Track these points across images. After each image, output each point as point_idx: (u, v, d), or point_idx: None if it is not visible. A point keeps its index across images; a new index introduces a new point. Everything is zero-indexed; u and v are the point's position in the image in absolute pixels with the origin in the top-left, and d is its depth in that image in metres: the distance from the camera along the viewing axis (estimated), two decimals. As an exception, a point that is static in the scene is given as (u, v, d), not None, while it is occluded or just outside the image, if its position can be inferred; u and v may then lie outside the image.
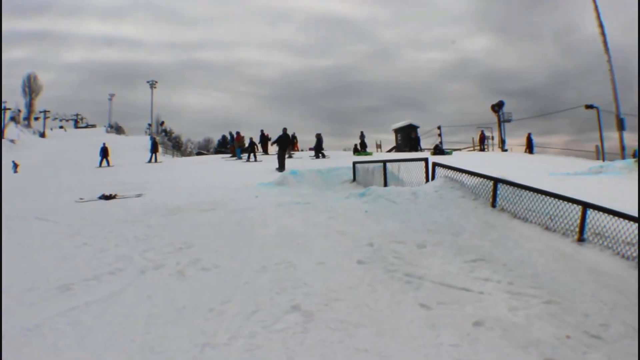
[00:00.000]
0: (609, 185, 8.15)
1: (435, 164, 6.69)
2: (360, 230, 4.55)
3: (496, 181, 5.44)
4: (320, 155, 15.88)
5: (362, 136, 18.56)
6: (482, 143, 19.83)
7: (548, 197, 4.86)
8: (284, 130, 12.88)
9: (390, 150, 22.21)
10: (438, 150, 17.75)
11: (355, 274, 3.53)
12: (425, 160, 7.02)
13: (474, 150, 20.09)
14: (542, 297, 3.24)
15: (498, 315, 2.99)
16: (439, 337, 2.68)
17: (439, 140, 21.45)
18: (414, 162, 7.20)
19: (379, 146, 22.86)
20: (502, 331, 2.77)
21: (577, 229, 4.44)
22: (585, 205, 4.51)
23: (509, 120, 23.90)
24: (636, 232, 3.81)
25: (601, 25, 17.66)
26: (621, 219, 4.00)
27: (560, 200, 4.70)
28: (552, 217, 4.78)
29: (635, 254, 3.71)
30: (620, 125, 16.99)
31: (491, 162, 13.96)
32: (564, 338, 2.71)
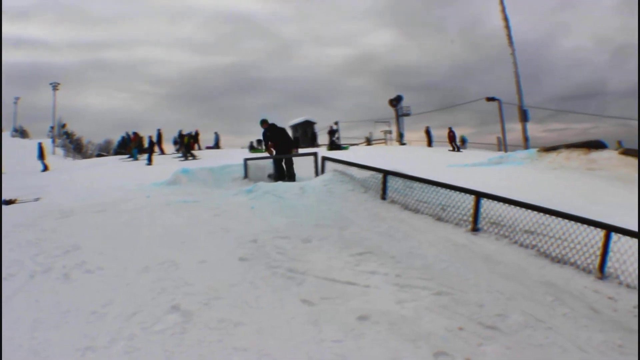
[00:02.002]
0: (508, 175, 14.84)
1: (324, 158, 13.64)
2: (245, 227, 8.81)
3: (386, 173, 11.21)
4: (189, 155, 33.71)
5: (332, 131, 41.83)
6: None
7: (440, 187, 10.29)
8: (271, 125, 16.76)
9: None
10: (334, 145, 37.12)
11: (237, 271, 6.92)
12: (315, 154, 14.23)
13: (368, 145, 41.25)
14: (433, 288, 6.56)
15: (385, 308, 5.93)
16: (321, 333, 5.32)
17: (336, 135, 42.96)
18: (304, 157, 14.89)
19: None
20: (389, 325, 5.55)
21: (470, 219, 9.41)
22: (479, 195, 9.56)
23: (407, 114, 51.03)
24: (534, 219, 8.83)
25: (506, 19, 38.71)
26: (518, 208, 9.02)
27: (453, 191, 10.03)
28: (444, 208, 9.99)
29: (535, 241, 8.62)
30: (523, 117, 37.68)
31: (389, 156, 28.32)
32: (456, 330, 5.58)
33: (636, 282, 7.34)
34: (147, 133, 35.27)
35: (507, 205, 9.21)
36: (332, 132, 43.22)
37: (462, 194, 9.87)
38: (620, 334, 6.07)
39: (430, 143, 44.23)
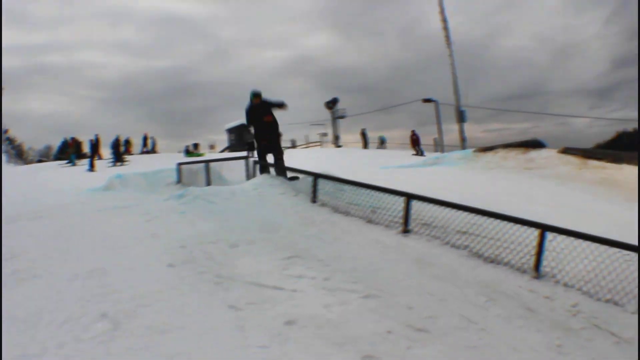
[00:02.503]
0: (444, 175, 15.00)
1: (256, 162, 14.62)
2: (175, 233, 9.08)
3: (316, 176, 11.87)
4: (121, 161, 34.44)
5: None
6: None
7: (370, 190, 10.86)
8: (263, 103, 14.61)
9: (223, 150, 48.61)
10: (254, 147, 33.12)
11: (165, 277, 7.08)
12: (246, 158, 15.67)
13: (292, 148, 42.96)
14: (361, 291, 6.82)
15: (312, 313, 6.12)
16: (247, 338, 5.46)
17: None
18: (236, 160, 16.38)
19: (213, 147, 51.46)
20: (316, 329, 5.74)
21: (401, 221, 9.85)
22: (409, 196, 9.81)
23: (343, 117, 54.19)
24: (467, 219, 9.33)
25: (445, 20, 40.39)
26: (450, 208, 9.50)
27: (383, 193, 10.56)
28: (375, 210, 10.52)
29: (467, 242, 9.06)
30: (460, 117, 39.39)
31: (324, 158, 29.64)
32: (385, 333, 5.76)
33: (573, 280, 7.69)
34: (86, 138, 36.35)
35: (438, 206, 9.64)
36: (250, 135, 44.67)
37: (393, 195, 10.28)
38: (558, 333, 6.31)
39: (366, 145, 46.79)
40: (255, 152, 14.10)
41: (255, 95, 13.62)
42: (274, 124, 13.83)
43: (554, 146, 21.14)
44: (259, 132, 13.76)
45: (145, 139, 45.87)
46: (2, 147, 51.47)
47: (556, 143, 22.87)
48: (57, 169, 33.39)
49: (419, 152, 39.05)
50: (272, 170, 13.89)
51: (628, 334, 6.51)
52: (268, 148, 13.71)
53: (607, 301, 7.35)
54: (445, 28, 40.29)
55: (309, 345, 5.40)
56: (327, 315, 6.07)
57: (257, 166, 14.14)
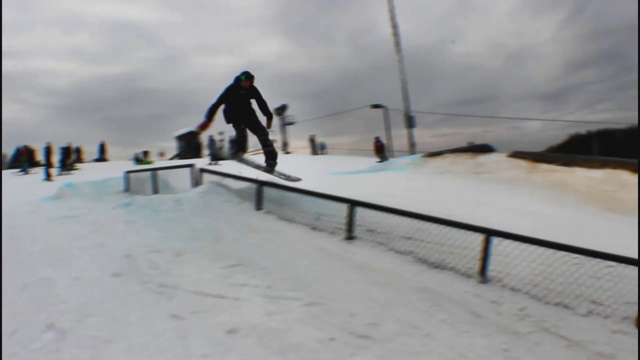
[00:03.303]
0: (391, 181, 15.10)
1: (202, 170, 14.96)
2: (120, 242, 9.33)
3: (261, 184, 12.35)
4: (67, 169, 34.14)
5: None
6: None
7: (313, 197, 11.24)
8: (250, 79, 13.64)
9: (173, 158, 49.45)
10: (217, 156, 37.68)
11: (110, 287, 7.24)
12: (191, 166, 15.52)
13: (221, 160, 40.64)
14: (303, 299, 7.02)
15: (254, 321, 6.27)
16: (190, 348, 5.61)
17: (221, 145, 47.56)
18: (181, 168, 16.08)
19: (162, 154, 52.31)
20: (258, 338, 5.89)
21: (345, 227, 10.17)
22: (353, 203, 10.03)
23: (291, 123, 54.66)
24: (412, 225, 9.64)
25: (395, 26, 41.02)
26: (394, 215, 9.82)
27: (327, 200, 10.94)
28: (319, 217, 10.90)
29: (412, 248, 9.38)
30: (409, 123, 40.06)
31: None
32: (327, 340, 5.91)
33: (521, 284, 7.90)
34: (40, 146, 35.90)
35: (382, 212, 9.91)
36: (212, 143, 44.61)
37: (336, 202, 10.60)
38: (505, 337, 6.43)
39: (315, 151, 48.42)
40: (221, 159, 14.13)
41: (249, 77, 12.59)
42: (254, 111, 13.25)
43: (506, 150, 21.56)
44: (236, 114, 12.77)
45: (102, 146, 46.54)
46: (2, 147, 51.45)
47: (508, 147, 23.39)
48: (10, 177, 32.37)
49: (384, 159, 38.42)
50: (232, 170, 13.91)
51: (579, 337, 6.68)
52: (252, 126, 12.93)
53: (557, 304, 7.53)
54: (395, 34, 40.63)
55: (251, 354, 5.51)
56: (269, 323, 6.18)
57: (203, 174, 14.45)
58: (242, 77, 12.54)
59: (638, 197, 14.85)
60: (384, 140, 41.73)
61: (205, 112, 12.51)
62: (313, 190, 11.15)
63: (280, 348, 5.63)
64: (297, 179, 12.83)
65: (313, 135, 49.40)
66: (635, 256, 7.67)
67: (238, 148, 13.43)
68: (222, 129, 49.19)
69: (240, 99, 12.64)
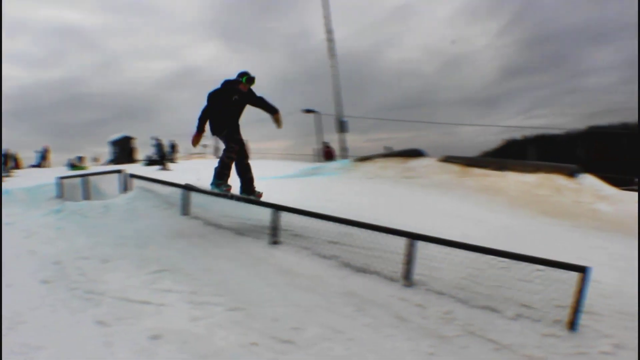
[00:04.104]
0: (321, 185, 15.05)
1: (131, 175, 14.93)
2: (50, 249, 9.73)
3: (188, 189, 12.32)
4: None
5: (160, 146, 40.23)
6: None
7: (239, 202, 11.27)
8: (251, 82, 11.81)
9: (108, 163, 47.97)
10: (152, 161, 39.46)
11: (39, 294, 7.61)
12: (120, 171, 15.54)
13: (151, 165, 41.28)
14: (227, 304, 7.27)
15: (178, 327, 6.56)
16: (114, 354, 5.89)
17: (154, 150, 43.15)
18: (111, 174, 16.04)
19: (97, 160, 51.42)
20: (181, 343, 6.15)
21: (271, 232, 10.28)
22: (278, 208, 10.25)
23: None
24: (337, 230, 9.78)
25: (329, 31, 41.92)
26: (320, 220, 9.94)
27: (252, 205, 10.79)
28: (245, 222, 11.17)
29: (337, 252, 9.49)
30: (341, 128, 40.82)
31: (203, 170, 24.27)
32: (249, 345, 6.13)
33: (447, 288, 8.06)
34: None
35: (307, 217, 10.11)
36: (160, 148, 44.56)
37: (262, 207, 10.79)
38: (430, 341, 6.60)
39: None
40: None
41: (250, 80, 11.04)
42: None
43: (441, 155, 21.87)
44: (227, 124, 11.12)
45: (45, 151, 46.84)
46: (2, 147, 50.69)
47: (443, 152, 23.67)
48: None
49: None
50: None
51: (508, 340, 6.80)
52: (241, 147, 11.41)
53: (484, 308, 7.66)
54: (329, 39, 41.35)
55: (174, 359, 5.82)
56: (193, 329, 6.46)
57: (132, 179, 14.60)
58: (243, 80, 10.96)
59: (638, 213, 15.30)
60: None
61: (196, 124, 11.04)
62: (239, 195, 11.10)
63: (203, 353, 5.89)
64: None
65: (245, 140, 48.57)
66: (571, 259, 7.75)
67: (223, 175, 11.18)
68: (158, 134, 50.78)
69: (231, 105, 11.10)
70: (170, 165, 36.44)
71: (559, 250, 9.92)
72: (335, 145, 42.65)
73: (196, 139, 11.16)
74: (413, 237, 8.47)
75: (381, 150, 29.47)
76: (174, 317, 6.73)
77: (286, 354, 6.01)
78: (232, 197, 11.26)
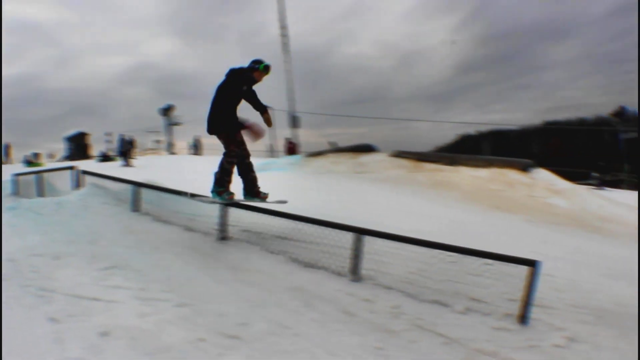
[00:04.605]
0: (272, 181, 15.69)
1: (83, 172, 15.30)
2: (5, 246, 9.50)
3: (138, 185, 12.75)
4: None
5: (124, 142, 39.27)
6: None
7: (188, 197, 11.54)
8: (268, 71, 11.00)
9: (64, 159, 51.24)
10: (106, 157, 43.93)
11: None
12: (72, 168, 15.90)
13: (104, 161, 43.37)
14: (175, 300, 7.35)
15: (127, 323, 6.57)
16: (65, 351, 5.88)
17: (118, 146, 42.92)
18: (65, 170, 16.26)
19: (53, 156, 55.31)
20: (130, 340, 6.15)
21: (220, 228, 10.54)
22: (226, 204, 10.44)
23: (178, 124, 58.14)
24: (286, 225, 10.11)
25: (283, 27, 44.76)
26: (268, 215, 10.23)
27: (201, 201, 10.82)
28: (194, 218, 11.41)
29: (286, 247, 9.79)
30: (294, 123, 43.99)
31: (158, 166, 31.32)
32: (196, 341, 6.20)
33: (395, 282, 8.23)
34: None
35: (256, 212, 10.32)
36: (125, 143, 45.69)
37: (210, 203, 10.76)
38: (378, 335, 6.70)
39: (199, 152, 51.09)
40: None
41: (267, 68, 10.32)
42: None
43: (393, 150, 22.17)
44: (229, 119, 10.18)
45: (7, 148, 48.78)
46: (2, 145, 50.12)
47: (398, 147, 24.09)
48: None
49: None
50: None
51: (457, 334, 6.92)
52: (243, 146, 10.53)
53: (434, 302, 7.80)
54: (282, 35, 43.16)
55: (123, 356, 5.81)
56: (141, 325, 6.49)
57: (85, 176, 14.89)
58: (260, 67, 10.18)
59: (638, 216, 15.58)
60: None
61: (237, 120, 9.98)
62: (187, 191, 11.30)
63: (151, 350, 5.92)
64: (283, 202, 10.84)
65: (198, 136, 51.59)
66: (525, 253, 7.87)
67: (224, 182, 10.38)
68: (112, 130, 51.40)
69: (239, 98, 10.30)
70: (133, 161, 36.27)
71: (512, 245, 10.20)
72: (283, 142, 43.31)
73: (258, 132, 10.01)
74: (360, 232, 8.62)
75: (335, 146, 30.16)
76: (123, 314, 6.77)
77: (232, 349, 6.08)
78: (237, 205, 10.53)
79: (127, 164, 34.64)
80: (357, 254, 8.50)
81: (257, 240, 10.03)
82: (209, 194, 10.44)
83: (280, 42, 43.81)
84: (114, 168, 26.67)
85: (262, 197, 10.59)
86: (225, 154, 10.24)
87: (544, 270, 7.66)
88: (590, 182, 47.79)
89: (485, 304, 7.78)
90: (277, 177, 19.37)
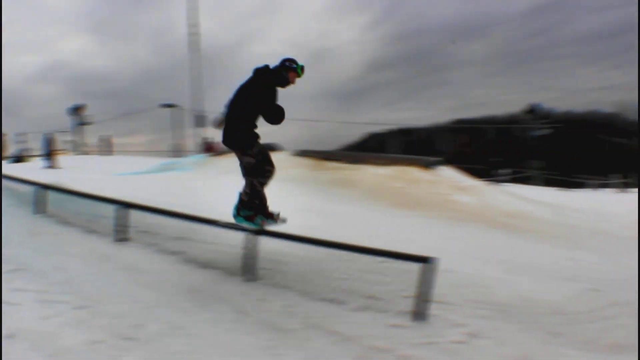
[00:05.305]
0: (174, 181, 15.40)
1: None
2: None
3: (40, 186, 12.74)
4: None
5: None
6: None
7: (90, 199, 11.85)
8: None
9: None
10: (19, 158, 39.82)
11: None
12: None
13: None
14: (74, 302, 7.41)
15: (29, 326, 6.61)
16: None
17: (20, 147, 44.94)
18: None
19: None
20: (31, 343, 6.21)
21: (119, 229, 10.32)
22: (125, 205, 10.66)
23: (88, 123, 57.29)
24: (183, 225, 10.48)
25: (192, 25, 46.01)
26: (165, 216, 10.62)
27: (102, 202, 11.17)
28: (94, 219, 11.56)
29: (183, 248, 10.07)
30: (199, 122, 45.99)
31: (66, 166, 30.66)
32: (94, 343, 6.31)
33: (290, 282, 8.53)
34: None
35: (151, 213, 10.67)
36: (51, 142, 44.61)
37: (111, 204, 10.91)
38: (271, 334, 6.91)
39: (108, 152, 51.43)
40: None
41: (303, 70, 9.13)
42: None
43: (298, 149, 22.65)
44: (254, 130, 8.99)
45: None
46: (1, 144, 47.27)
47: (306, 146, 24.39)
48: None
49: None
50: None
51: (352, 332, 7.10)
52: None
53: (329, 300, 8.03)
54: (192, 33, 44.23)
55: (26, 358, 5.89)
56: (43, 328, 6.53)
57: None
58: (298, 69, 9.06)
59: (638, 215, 15.94)
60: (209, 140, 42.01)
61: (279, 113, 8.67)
62: (88, 193, 11.54)
63: (51, 352, 5.99)
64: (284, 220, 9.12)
65: (105, 136, 50.65)
66: (426, 250, 8.10)
67: (253, 206, 9.17)
68: (26, 129, 50.35)
69: (270, 103, 8.93)
70: (58, 162, 34.15)
71: (412, 242, 10.44)
72: (191, 141, 43.37)
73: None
74: (252, 231, 8.84)
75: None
76: (26, 317, 6.78)
77: (128, 350, 6.18)
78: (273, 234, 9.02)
79: (52, 166, 32.31)
80: (251, 254, 8.70)
81: (155, 241, 10.19)
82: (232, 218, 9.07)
83: (188, 40, 44.60)
84: (33, 170, 24.66)
85: (276, 218, 9.12)
86: (254, 172, 9.04)
87: (445, 266, 7.90)
88: (498, 178, 49.30)
89: (381, 301, 8.02)
90: (180, 177, 19.64)
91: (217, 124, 9.12)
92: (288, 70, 8.80)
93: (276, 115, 8.70)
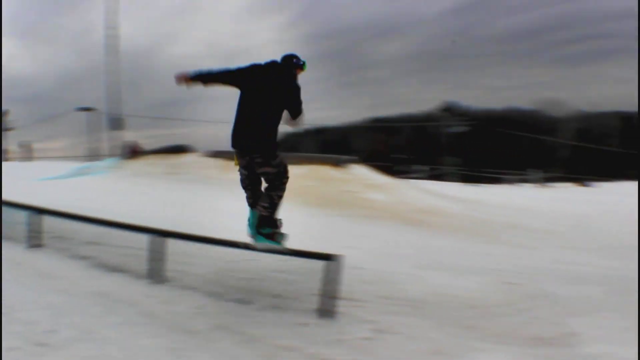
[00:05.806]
0: (88, 185, 15.53)
1: None
2: None
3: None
4: None
5: None
6: None
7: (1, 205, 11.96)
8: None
9: None
10: None
11: None
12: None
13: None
14: None
15: None
16: None
17: None
18: None
19: None
20: None
21: (29, 235, 11.13)
22: (37, 210, 10.91)
23: (11, 129, 60.18)
24: (95, 230, 10.91)
25: (110, 27, 45.27)
26: (77, 221, 10.94)
27: (14, 208, 11.42)
28: (8, 226, 11.61)
29: (94, 252, 10.50)
30: (115, 125, 45.08)
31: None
32: (9, 350, 6.36)
33: (198, 283, 8.79)
34: None
35: (63, 218, 10.98)
36: None
37: (24, 210, 11.41)
38: (178, 336, 7.09)
39: (28, 157, 50.42)
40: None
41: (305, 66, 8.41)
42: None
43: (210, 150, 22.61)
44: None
45: None
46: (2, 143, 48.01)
47: (223, 146, 24.53)
48: None
49: None
50: None
51: (259, 331, 7.32)
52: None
53: (237, 301, 8.29)
54: (110, 35, 44.05)
55: None
56: None
57: None
58: (304, 65, 8.34)
59: (638, 215, 16.38)
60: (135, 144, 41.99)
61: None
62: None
63: None
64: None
65: (25, 141, 51.25)
66: (336, 248, 8.51)
67: (274, 222, 8.40)
68: None
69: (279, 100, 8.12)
70: None
71: (322, 240, 10.69)
72: (106, 144, 43.20)
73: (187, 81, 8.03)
74: (160, 234, 9.06)
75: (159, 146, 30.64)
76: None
77: (42, 356, 6.28)
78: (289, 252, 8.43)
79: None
80: (158, 256, 8.93)
81: (68, 246, 10.44)
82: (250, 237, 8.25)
83: (105, 42, 44.22)
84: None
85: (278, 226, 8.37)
86: (274, 183, 8.17)
87: (354, 263, 8.12)
88: (413, 175, 50.12)
89: (289, 299, 8.29)
90: (94, 181, 19.88)
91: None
92: (295, 67, 8.13)
93: (301, 112, 8.12)
